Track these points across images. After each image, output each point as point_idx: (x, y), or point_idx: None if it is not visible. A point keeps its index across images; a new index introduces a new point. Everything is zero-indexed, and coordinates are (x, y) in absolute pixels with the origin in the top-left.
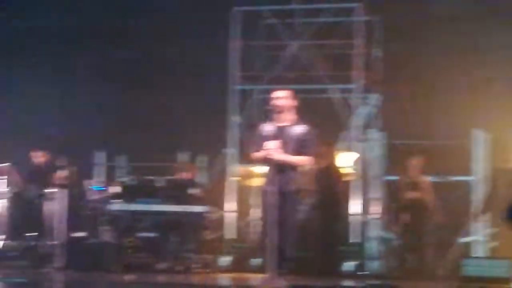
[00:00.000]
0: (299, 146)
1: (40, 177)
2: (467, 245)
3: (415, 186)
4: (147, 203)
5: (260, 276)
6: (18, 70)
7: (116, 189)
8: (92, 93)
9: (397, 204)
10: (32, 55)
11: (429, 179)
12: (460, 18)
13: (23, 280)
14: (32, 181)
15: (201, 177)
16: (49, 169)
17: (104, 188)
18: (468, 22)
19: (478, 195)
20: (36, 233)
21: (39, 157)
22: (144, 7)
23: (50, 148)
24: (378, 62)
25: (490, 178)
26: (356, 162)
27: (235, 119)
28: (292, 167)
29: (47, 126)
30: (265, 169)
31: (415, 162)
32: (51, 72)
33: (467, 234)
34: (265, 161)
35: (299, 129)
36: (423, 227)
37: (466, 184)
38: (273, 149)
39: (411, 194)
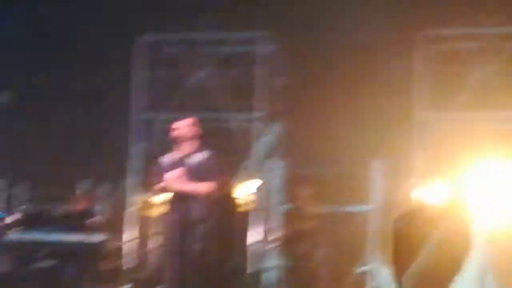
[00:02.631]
0: (199, 175)
1: None
2: (363, 275)
3: (306, 215)
4: (44, 232)
5: None
6: None
7: (13, 217)
8: None
9: (292, 234)
10: None
11: (320, 208)
12: (361, 47)
13: None
14: None
15: (101, 207)
16: None
17: (2, 216)
18: (369, 51)
19: (375, 225)
20: None
21: None
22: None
23: None
24: (280, 91)
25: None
26: (256, 191)
27: (136, 148)
28: (192, 196)
29: None
30: (165, 198)
31: (305, 191)
32: None
33: (364, 264)
34: (166, 190)
35: (199, 157)
36: (316, 257)
37: (363, 214)
38: (173, 178)
39: (303, 224)
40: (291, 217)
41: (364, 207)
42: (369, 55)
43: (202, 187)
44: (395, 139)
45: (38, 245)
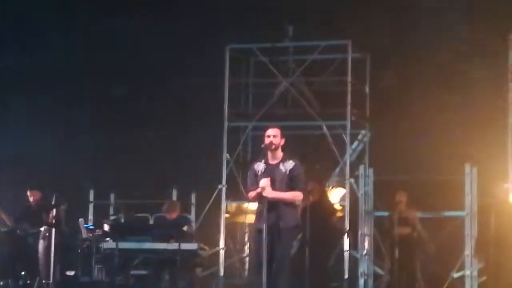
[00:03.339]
0: (290, 182)
1: (31, 215)
2: (460, 280)
3: (403, 221)
4: (139, 241)
5: None
6: (11, 107)
7: (108, 227)
8: (83, 130)
9: (387, 240)
10: (25, 92)
11: (417, 214)
12: (448, 53)
13: None
14: (24, 219)
15: (193, 214)
16: (41, 207)
17: (94, 227)
18: (454, 57)
19: (470, 230)
20: (28, 272)
21: (31, 196)
22: (136, 44)
23: (41, 186)
24: (368, 98)
25: (479, 214)
26: (346, 197)
27: (227, 156)
28: (284, 203)
29: (39, 164)
30: (257, 206)
31: (402, 198)
32: (43, 110)
33: (459, 269)
34: (258, 198)
35: (290, 165)
36: (414, 263)
37: (457, 219)
38: (265, 186)
39: (400, 230)
40: (387, 223)
41: (459, 212)
42: (461, 59)
43: (293, 195)
44: (489, 144)
45: (133, 254)
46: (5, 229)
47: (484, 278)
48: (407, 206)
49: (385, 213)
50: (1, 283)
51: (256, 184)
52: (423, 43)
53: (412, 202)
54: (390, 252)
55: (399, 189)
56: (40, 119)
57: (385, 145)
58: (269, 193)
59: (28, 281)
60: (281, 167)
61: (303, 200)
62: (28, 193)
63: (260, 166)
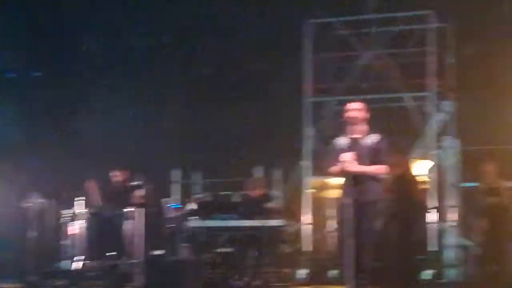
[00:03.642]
0: (374, 156)
1: (118, 196)
2: None
3: (492, 191)
4: (224, 219)
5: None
6: (97, 90)
7: (193, 206)
8: (167, 110)
9: (475, 211)
10: (110, 75)
11: (506, 184)
12: None
13: None
14: (110, 200)
15: (277, 191)
16: (127, 188)
17: (180, 206)
18: None
19: None
20: (115, 253)
21: (117, 176)
22: (215, 22)
23: (127, 167)
24: (451, 68)
25: None
26: (431, 169)
27: (309, 131)
28: (368, 177)
29: (125, 145)
30: (340, 180)
31: (491, 168)
32: (129, 92)
33: None
34: (342, 173)
35: (373, 139)
36: (503, 233)
37: None
38: (349, 161)
39: (489, 200)
40: (475, 194)
41: None
42: None
43: (377, 169)
44: None
45: (218, 232)
46: (93, 210)
47: None
48: (495, 176)
49: (472, 184)
50: (91, 263)
51: (338, 159)
52: (506, 12)
53: (500, 172)
54: (477, 223)
55: (486, 159)
56: (127, 100)
57: (470, 115)
58: (353, 167)
59: (116, 262)
60: (365, 141)
61: (388, 173)
62: (115, 173)
63: (343, 141)
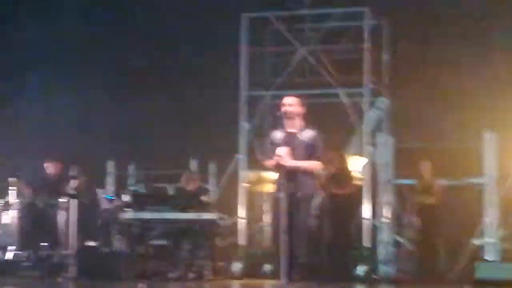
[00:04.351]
0: (309, 151)
1: (51, 186)
2: (480, 247)
3: (426, 189)
4: (158, 211)
5: (272, 282)
6: (32, 78)
7: (127, 197)
8: (102, 101)
9: (409, 208)
10: (46, 63)
11: (441, 182)
12: (468, 18)
13: None
14: (43, 191)
15: (212, 184)
16: (60, 179)
17: (114, 197)
18: (476, 21)
19: (490, 197)
20: (48, 243)
21: (50, 167)
22: (153, 14)
23: (61, 158)
24: (386, 65)
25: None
26: (366, 166)
27: (244, 125)
28: (303, 172)
29: (58, 135)
30: (275, 175)
31: (425, 166)
32: (61, 82)
33: (479, 236)
34: (277, 167)
35: (308, 134)
36: (436, 230)
37: (478, 186)
38: (284, 155)
39: (424, 198)
40: (409, 191)
41: (478, 179)
42: (478, 25)
43: (312, 164)
44: (507, 111)
45: (152, 224)
46: (26, 201)
47: (506, 245)
48: (430, 174)
49: (406, 181)
50: (23, 253)
51: (273, 153)
52: (441, 10)
53: (434, 170)
54: (411, 220)
55: (421, 157)
56: (62, 90)
57: (403, 112)
58: (287, 162)
59: (49, 252)
60: (300, 136)
61: (323, 168)
62: (47, 164)
63: (278, 135)
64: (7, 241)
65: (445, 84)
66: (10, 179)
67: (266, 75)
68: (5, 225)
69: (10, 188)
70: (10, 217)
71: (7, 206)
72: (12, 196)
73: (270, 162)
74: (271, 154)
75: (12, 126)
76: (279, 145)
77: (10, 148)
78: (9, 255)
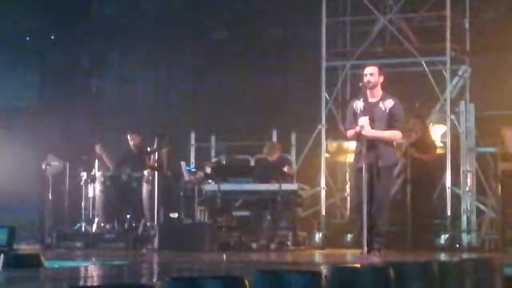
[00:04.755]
0: (390, 121)
1: (134, 159)
2: None
3: (509, 156)
4: (240, 182)
5: (353, 251)
6: (113, 53)
7: (209, 169)
8: (183, 74)
9: (491, 176)
10: (127, 39)
11: None
12: None
13: (121, 262)
14: (127, 163)
15: (293, 155)
16: (143, 151)
17: (196, 169)
18: None
19: None
20: (132, 215)
21: (133, 139)
22: None
23: (143, 131)
24: (468, 33)
25: None
26: (447, 134)
27: (325, 95)
28: (384, 142)
29: (141, 109)
30: (356, 145)
31: (507, 133)
32: (146, 55)
33: None
34: (358, 137)
35: (389, 103)
36: None
37: None
38: (365, 125)
39: (505, 165)
40: (490, 159)
41: None
42: None
43: (393, 134)
44: None
45: (233, 195)
46: (110, 174)
47: None
48: (511, 141)
49: (488, 149)
50: (107, 226)
51: (355, 123)
52: None
53: None
54: (494, 188)
55: (503, 124)
56: (143, 63)
57: (486, 80)
58: (368, 131)
59: (133, 224)
60: (381, 105)
61: (405, 137)
62: (129, 137)
63: (359, 104)
64: (91, 213)
65: None
66: (96, 151)
67: (346, 45)
68: (90, 198)
69: (94, 161)
70: (95, 190)
71: (92, 179)
72: (96, 170)
73: (351, 132)
74: (353, 124)
75: (95, 100)
76: (360, 115)
77: (94, 123)
78: (93, 227)
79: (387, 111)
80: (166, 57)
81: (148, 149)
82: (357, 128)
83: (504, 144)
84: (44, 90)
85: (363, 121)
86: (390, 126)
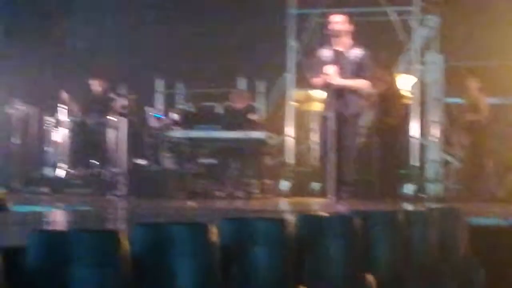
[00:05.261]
0: (357, 70)
1: (99, 105)
2: None
3: (474, 107)
4: (207, 129)
5: (320, 200)
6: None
7: (176, 116)
8: (151, 20)
9: (457, 126)
10: None
11: (488, 100)
12: None
13: (87, 208)
14: (92, 109)
15: (260, 103)
16: (108, 97)
17: (163, 116)
18: None
19: None
20: (98, 161)
21: (97, 85)
22: None
23: (109, 76)
24: None
25: None
26: (415, 85)
27: (292, 43)
28: (351, 91)
29: (107, 54)
30: (323, 93)
31: (474, 84)
32: (111, 1)
33: None
34: (325, 86)
35: (357, 53)
36: (484, 148)
37: None
38: (331, 74)
39: (470, 116)
40: (456, 109)
41: None
42: None
43: (361, 83)
44: None
45: (201, 143)
46: (76, 119)
47: None
48: (477, 92)
49: (455, 100)
50: (74, 171)
51: (321, 71)
52: None
53: (482, 88)
54: (458, 138)
55: (469, 75)
56: (109, 9)
57: (455, 30)
58: (336, 80)
59: (99, 170)
60: (349, 54)
61: (371, 87)
62: (91, 82)
63: (326, 53)
64: (57, 159)
65: (497, 2)
66: (60, 96)
67: None
68: (56, 143)
69: (59, 106)
70: (61, 135)
71: (57, 124)
72: (62, 114)
73: (318, 81)
74: (319, 72)
75: (61, 45)
76: (327, 63)
77: (59, 67)
78: (59, 173)
79: (355, 60)
80: (133, 2)
81: (113, 94)
82: (324, 77)
83: (469, 94)
84: (9, 35)
85: (330, 69)
86: (357, 75)
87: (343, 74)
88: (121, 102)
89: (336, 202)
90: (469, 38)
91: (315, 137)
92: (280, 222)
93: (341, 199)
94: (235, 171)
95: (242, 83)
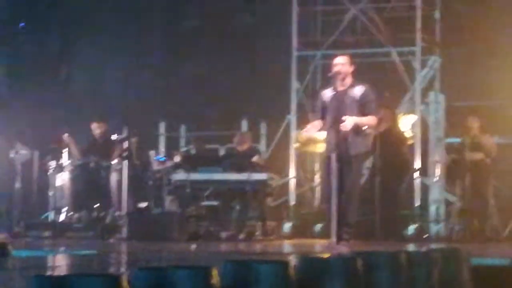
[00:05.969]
0: (362, 107)
1: (101, 148)
2: None
3: (476, 147)
4: (210, 172)
5: (323, 241)
6: (80, 42)
7: (178, 159)
8: (152, 63)
9: (459, 166)
10: (93, 27)
11: (491, 139)
12: None
13: (89, 252)
14: (94, 152)
15: (262, 145)
16: (110, 140)
17: (165, 159)
18: None
19: None
20: (99, 205)
21: (98, 128)
22: None
23: (111, 119)
24: (437, 23)
25: None
26: (416, 124)
27: (295, 85)
28: (355, 131)
29: (110, 97)
30: (326, 134)
31: (475, 123)
32: (113, 43)
33: None
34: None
35: (359, 90)
36: (486, 189)
37: None
38: (333, 115)
39: (472, 156)
40: (459, 149)
41: None
42: None
43: (370, 119)
44: None
45: (203, 185)
46: (78, 162)
47: None
48: (479, 131)
49: (457, 140)
50: (76, 215)
51: (321, 112)
52: None
53: (485, 127)
54: (462, 178)
55: (470, 114)
56: (111, 52)
57: (456, 71)
58: (350, 123)
59: (102, 214)
60: (351, 93)
61: (374, 127)
62: (93, 126)
63: (327, 94)
64: (60, 203)
65: (497, 42)
66: (62, 139)
67: (317, 35)
68: (58, 187)
69: (62, 150)
70: (63, 179)
71: (60, 168)
72: (64, 158)
73: (320, 122)
74: (318, 112)
75: (64, 88)
76: (329, 103)
77: (62, 111)
78: (62, 217)
79: (358, 97)
80: (135, 45)
81: (116, 137)
82: (326, 118)
83: (470, 134)
84: (12, 78)
85: (331, 111)
86: (362, 113)
87: (346, 113)
88: (123, 145)
89: (338, 243)
90: (469, 78)
91: (317, 179)
92: (283, 265)
93: (344, 240)
94: (237, 213)
95: (245, 125)
